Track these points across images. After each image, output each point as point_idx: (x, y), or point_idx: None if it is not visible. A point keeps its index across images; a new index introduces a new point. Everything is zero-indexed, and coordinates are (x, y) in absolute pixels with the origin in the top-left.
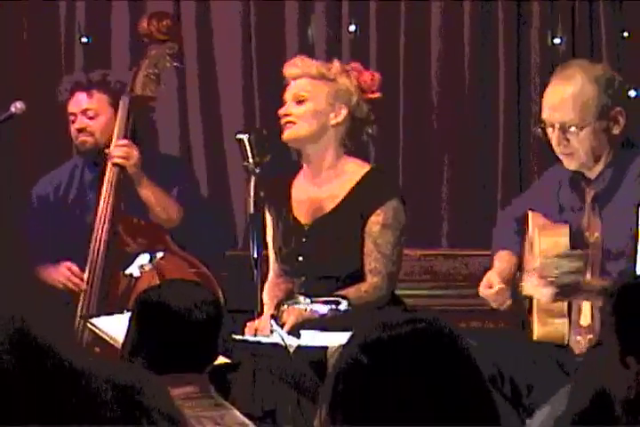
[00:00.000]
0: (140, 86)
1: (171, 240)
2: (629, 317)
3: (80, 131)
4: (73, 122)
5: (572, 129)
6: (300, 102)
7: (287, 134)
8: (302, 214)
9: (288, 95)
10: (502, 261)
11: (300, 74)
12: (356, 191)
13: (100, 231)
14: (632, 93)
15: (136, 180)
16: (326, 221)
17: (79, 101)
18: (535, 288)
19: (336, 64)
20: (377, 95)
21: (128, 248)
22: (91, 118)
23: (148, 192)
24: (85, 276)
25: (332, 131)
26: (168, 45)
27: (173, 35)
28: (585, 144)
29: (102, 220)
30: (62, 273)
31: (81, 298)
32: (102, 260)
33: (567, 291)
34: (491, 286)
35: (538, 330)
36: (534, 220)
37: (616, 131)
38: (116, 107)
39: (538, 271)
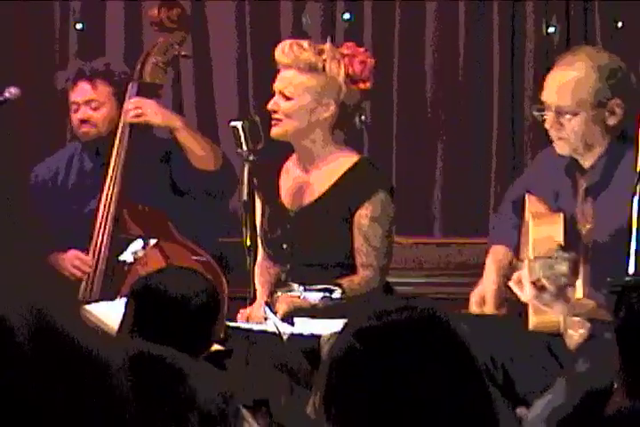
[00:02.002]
0: (148, 74)
1: (174, 227)
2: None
3: (83, 121)
4: (75, 111)
5: (567, 114)
6: (287, 98)
7: (275, 131)
8: (289, 200)
9: (276, 87)
10: (496, 262)
11: (289, 64)
12: (343, 181)
13: (103, 217)
14: None
15: (170, 127)
16: (311, 210)
17: (83, 91)
18: (517, 288)
19: (328, 48)
20: (367, 86)
21: (131, 234)
22: (94, 109)
23: (185, 137)
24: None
25: (321, 124)
26: (177, 34)
27: (183, 24)
28: (577, 131)
29: (106, 205)
30: (69, 261)
31: (82, 284)
32: (106, 246)
33: (551, 296)
34: (481, 306)
35: (532, 319)
36: (530, 204)
37: (612, 122)
38: (118, 97)
39: (522, 274)
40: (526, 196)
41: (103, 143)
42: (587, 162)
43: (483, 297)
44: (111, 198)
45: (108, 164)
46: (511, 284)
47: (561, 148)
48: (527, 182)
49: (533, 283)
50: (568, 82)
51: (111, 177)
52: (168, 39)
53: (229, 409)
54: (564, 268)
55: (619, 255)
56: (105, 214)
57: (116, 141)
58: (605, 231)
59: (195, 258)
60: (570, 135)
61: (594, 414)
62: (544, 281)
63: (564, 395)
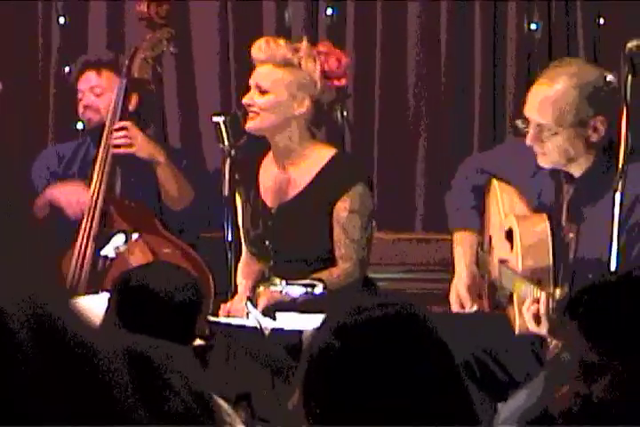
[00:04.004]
0: (136, 69)
1: (159, 223)
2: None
3: (87, 107)
4: (81, 99)
5: (546, 132)
6: (262, 93)
7: (250, 125)
8: (269, 198)
9: (252, 82)
10: (466, 253)
11: (264, 59)
12: (321, 176)
13: (90, 212)
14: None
15: (153, 161)
16: (292, 206)
17: (88, 79)
18: (533, 323)
19: (304, 46)
20: (343, 82)
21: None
22: (98, 96)
23: (163, 173)
24: (74, 257)
25: (297, 120)
26: (166, 30)
27: (171, 20)
28: (558, 148)
29: (93, 201)
30: (67, 197)
31: (69, 278)
32: (93, 241)
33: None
34: (463, 306)
35: (518, 323)
36: (505, 197)
37: (594, 138)
38: None
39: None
40: (495, 182)
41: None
42: (575, 172)
43: (461, 300)
44: (98, 194)
45: (95, 160)
46: (527, 318)
47: (543, 161)
48: (495, 168)
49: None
50: (548, 99)
51: (98, 173)
52: (157, 35)
53: (211, 404)
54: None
55: (603, 268)
56: (92, 210)
57: (103, 139)
58: (589, 245)
59: (182, 254)
60: (551, 151)
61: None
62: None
63: (536, 396)
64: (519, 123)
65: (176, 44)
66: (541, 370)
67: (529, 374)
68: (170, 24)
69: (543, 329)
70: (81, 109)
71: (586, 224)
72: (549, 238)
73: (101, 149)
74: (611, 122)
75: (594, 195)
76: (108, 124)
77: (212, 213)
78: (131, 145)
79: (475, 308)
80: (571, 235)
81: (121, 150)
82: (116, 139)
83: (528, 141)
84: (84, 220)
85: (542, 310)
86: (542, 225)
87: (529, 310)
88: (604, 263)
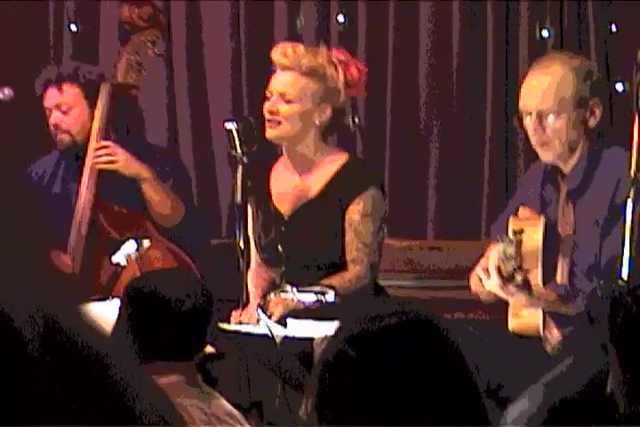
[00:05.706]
0: (121, 74)
1: (153, 228)
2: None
3: (56, 127)
4: (49, 117)
5: (549, 117)
6: (286, 101)
7: (271, 134)
8: (282, 204)
9: (274, 87)
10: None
11: (289, 66)
12: (334, 180)
13: (79, 220)
14: (619, 87)
15: (137, 178)
16: (305, 211)
17: (51, 97)
18: (484, 275)
19: (323, 53)
20: (361, 93)
21: (110, 236)
22: (64, 113)
23: (150, 190)
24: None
25: (315, 128)
26: (149, 32)
27: (155, 22)
28: (561, 133)
29: (82, 209)
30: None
31: None
32: (82, 247)
33: (515, 287)
34: (479, 284)
35: (511, 322)
36: (521, 212)
37: (592, 123)
38: (90, 99)
39: (489, 261)
40: (520, 209)
41: (81, 148)
42: (567, 166)
43: (486, 270)
44: (86, 202)
45: (83, 168)
46: (478, 270)
47: (544, 155)
48: (519, 197)
49: (499, 272)
50: (547, 85)
51: (86, 179)
52: (140, 38)
53: None
54: (510, 250)
55: (596, 257)
56: (81, 217)
57: (89, 148)
58: (585, 235)
59: (174, 259)
60: (553, 138)
61: (571, 418)
62: (500, 265)
63: (540, 400)
64: (516, 122)
65: (187, 50)
66: (542, 376)
67: (528, 379)
68: (154, 26)
69: (493, 283)
70: (52, 129)
71: (580, 216)
72: (541, 235)
73: (87, 159)
74: (604, 107)
75: (585, 186)
76: (94, 130)
77: (206, 224)
78: (114, 162)
79: (494, 282)
80: (568, 229)
81: (104, 167)
82: (98, 156)
83: (529, 132)
84: (74, 228)
85: (491, 263)
86: (536, 224)
87: (480, 266)
88: (595, 252)
